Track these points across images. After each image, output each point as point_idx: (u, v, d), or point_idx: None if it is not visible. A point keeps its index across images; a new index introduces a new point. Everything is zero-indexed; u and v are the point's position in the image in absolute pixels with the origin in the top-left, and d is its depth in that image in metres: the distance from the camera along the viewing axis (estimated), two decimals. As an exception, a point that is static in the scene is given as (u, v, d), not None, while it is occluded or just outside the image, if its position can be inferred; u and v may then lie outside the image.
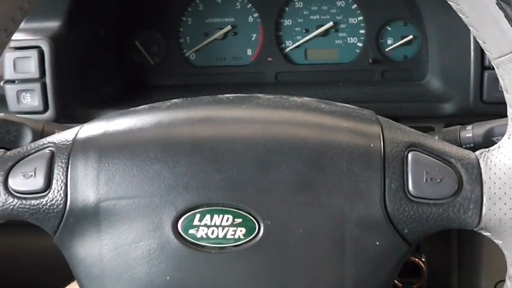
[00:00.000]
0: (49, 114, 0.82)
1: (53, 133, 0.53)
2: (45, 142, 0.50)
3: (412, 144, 0.47)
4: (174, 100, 0.53)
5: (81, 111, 0.85)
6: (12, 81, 0.81)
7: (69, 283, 0.73)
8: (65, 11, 0.84)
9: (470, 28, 0.44)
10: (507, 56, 0.43)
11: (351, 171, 0.45)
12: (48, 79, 0.81)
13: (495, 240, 0.47)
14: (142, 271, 0.47)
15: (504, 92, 0.46)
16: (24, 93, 0.81)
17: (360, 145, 0.46)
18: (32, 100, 0.81)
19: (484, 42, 0.44)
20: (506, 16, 0.42)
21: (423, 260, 0.83)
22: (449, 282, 0.91)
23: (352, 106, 0.52)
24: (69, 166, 0.48)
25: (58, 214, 0.48)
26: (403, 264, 0.79)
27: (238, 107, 0.50)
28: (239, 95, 0.53)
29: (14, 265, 0.92)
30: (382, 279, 0.47)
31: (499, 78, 0.45)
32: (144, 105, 0.53)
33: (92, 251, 0.48)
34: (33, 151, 0.50)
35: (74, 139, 0.49)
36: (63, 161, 0.48)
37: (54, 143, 0.50)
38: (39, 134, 0.65)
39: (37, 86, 0.81)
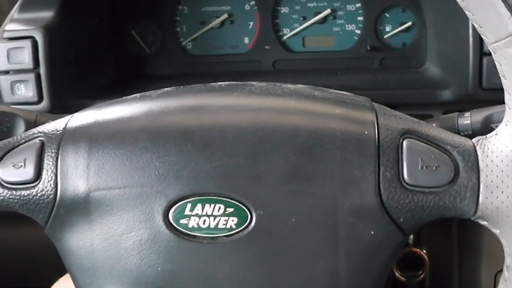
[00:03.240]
0: (44, 104, 0.81)
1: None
2: (35, 132, 0.50)
3: (407, 132, 0.46)
4: (165, 89, 0.52)
5: (76, 101, 0.84)
6: (6, 72, 0.81)
7: (61, 275, 0.72)
8: (59, 0, 0.83)
9: (466, 12, 0.43)
10: (504, 40, 0.42)
11: (344, 159, 0.44)
12: (42, 70, 0.80)
13: (492, 230, 0.46)
14: (133, 262, 0.46)
15: (501, 78, 0.45)
16: (18, 84, 0.80)
17: (353, 132, 0.45)
18: (26, 91, 0.80)
19: (481, 27, 0.43)
20: None
21: (424, 251, 0.82)
22: (450, 273, 0.90)
23: (347, 93, 0.51)
24: (59, 156, 0.47)
25: (48, 205, 0.47)
26: (404, 257, 0.78)
27: (230, 94, 0.49)
28: (231, 82, 0.52)
29: (5, 257, 0.92)
30: (378, 269, 0.46)
31: (496, 63, 0.44)
32: (136, 94, 0.52)
33: (83, 242, 0.47)
34: (23, 141, 0.49)
35: (64, 129, 0.49)
36: (53, 151, 0.48)
37: (44, 133, 0.49)
38: (32, 125, 0.64)
39: (31, 76, 0.80)
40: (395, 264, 0.82)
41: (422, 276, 0.82)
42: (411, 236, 0.82)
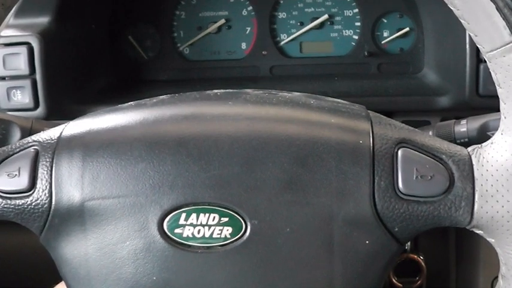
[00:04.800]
0: (40, 111, 0.81)
1: (42, 131, 0.53)
2: (30, 141, 0.50)
3: (402, 141, 0.46)
4: (161, 97, 0.52)
5: (73, 107, 0.84)
6: (2, 78, 0.81)
7: (57, 282, 0.72)
8: (55, 6, 0.83)
9: (462, 21, 0.43)
10: (499, 49, 0.42)
11: (339, 169, 0.44)
12: (38, 76, 0.80)
13: (487, 239, 0.46)
14: (128, 271, 0.46)
15: (497, 87, 0.45)
16: (14, 90, 0.80)
17: (348, 142, 0.45)
18: (22, 97, 0.80)
19: (476, 36, 0.43)
20: (498, 9, 0.41)
21: (422, 258, 0.82)
22: (447, 279, 0.90)
23: (343, 101, 0.51)
24: (54, 165, 0.47)
25: (43, 214, 0.47)
26: (401, 263, 0.78)
27: (225, 103, 0.49)
28: (227, 90, 0.52)
29: (2, 263, 0.92)
30: (373, 278, 0.46)
31: (491, 72, 0.44)
32: (131, 102, 0.52)
33: (78, 251, 0.47)
34: (17, 150, 0.49)
35: (59, 137, 0.49)
36: (48, 160, 0.47)
37: (39, 142, 0.49)
38: (27, 132, 0.64)
39: (27, 82, 0.80)
40: (393, 270, 0.82)
41: (419, 282, 0.82)
42: (408, 243, 0.82)
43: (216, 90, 0.52)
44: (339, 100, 0.51)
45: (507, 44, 0.41)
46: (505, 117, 0.45)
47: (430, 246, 0.85)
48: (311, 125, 0.47)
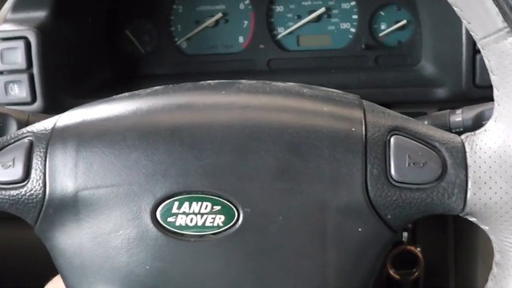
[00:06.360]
0: (37, 105, 0.81)
1: None
2: (24, 132, 0.50)
3: (395, 128, 0.46)
4: (155, 87, 0.52)
5: (70, 101, 0.84)
6: (0, 73, 0.81)
7: (55, 274, 0.72)
8: (53, 0, 0.83)
9: (455, 8, 0.43)
10: (492, 36, 0.42)
11: (332, 157, 0.44)
12: (35, 70, 0.80)
13: (481, 226, 0.46)
14: (122, 260, 0.46)
15: (490, 74, 0.45)
16: (11, 85, 0.80)
17: (340, 130, 0.45)
18: (19, 91, 0.80)
19: (469, 23, 0.43)
20: None
21: (419, 249, 0.82)
22: (445, 272, 0.90)
23: (336, 90, 0.51)
24: (48, 155, 0.47)
25: (37, 204, 0.47)
26: (399, 255, 0.78)
27: (219, 92, 0.49)
28: (221, 81, 0.52)
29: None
30: (366, 266, 0.46)
31: (485, 59, 0.44)
32: (125, 93, 0.52)
33: (72, 241, 0.47)
34: (12, 141, 0.49)
35: (53, 128, 0.49)
36: (42, 150, 0.47)
37: (33, 132, 0.49)
38: (24, 125, 0.64)
39: (24, 77, 0.80)
40: (390, 262, 0.82)
41: (416, 274, 0.82)
42: (406, 234, 0.82)
43: (209, 81, 0.52)
44: (332, 89, 0.51)
45: (500, 30, 0.41)
46: (498, 105, 0.45)
47: (428, 238, 0.85)
48: (304, 113, 0.47)
